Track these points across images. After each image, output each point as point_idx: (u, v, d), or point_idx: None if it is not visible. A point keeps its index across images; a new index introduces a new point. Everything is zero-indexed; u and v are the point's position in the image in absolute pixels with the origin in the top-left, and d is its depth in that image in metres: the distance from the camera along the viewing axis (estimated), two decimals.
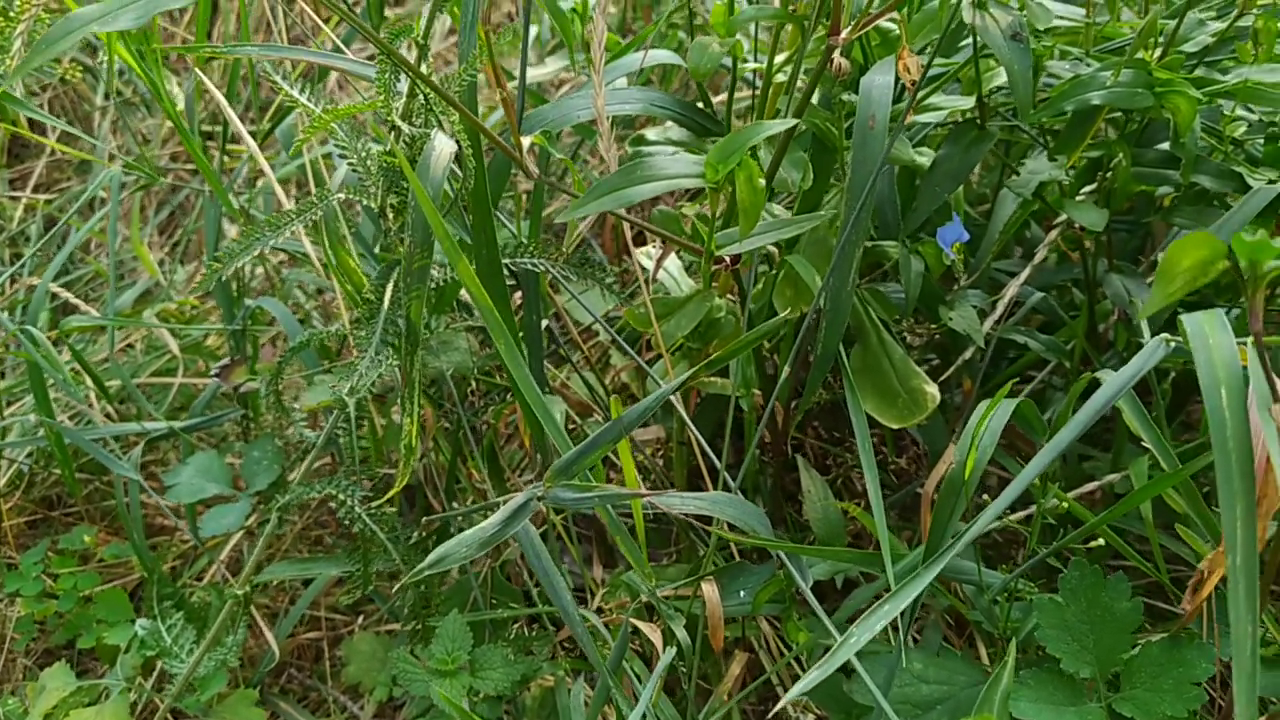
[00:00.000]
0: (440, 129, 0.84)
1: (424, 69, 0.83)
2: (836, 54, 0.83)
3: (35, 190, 1.92)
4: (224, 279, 1.10)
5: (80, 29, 0.70)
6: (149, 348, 1.61)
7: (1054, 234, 1.17)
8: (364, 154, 0.91)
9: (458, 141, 0.85)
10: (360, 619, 1.34)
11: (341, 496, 1.04)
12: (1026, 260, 1.21)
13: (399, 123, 0.83)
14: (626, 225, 1.05)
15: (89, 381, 1.40)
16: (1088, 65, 1.07)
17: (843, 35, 0.83)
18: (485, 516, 0.80)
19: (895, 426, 1.03)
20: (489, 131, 0.81)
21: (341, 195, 0.91)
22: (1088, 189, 1.17)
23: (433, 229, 0.77)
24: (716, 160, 0.76)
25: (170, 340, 1.50)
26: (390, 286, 0.91)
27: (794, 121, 0.87)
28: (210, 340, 1.58)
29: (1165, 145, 1.12)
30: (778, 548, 0.90)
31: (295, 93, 0.92)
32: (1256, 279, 0.60)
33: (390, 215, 0.90)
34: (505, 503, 0.78)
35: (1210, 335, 0.64)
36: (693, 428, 0.98)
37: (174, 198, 1.92)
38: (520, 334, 1.07)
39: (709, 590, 0.96)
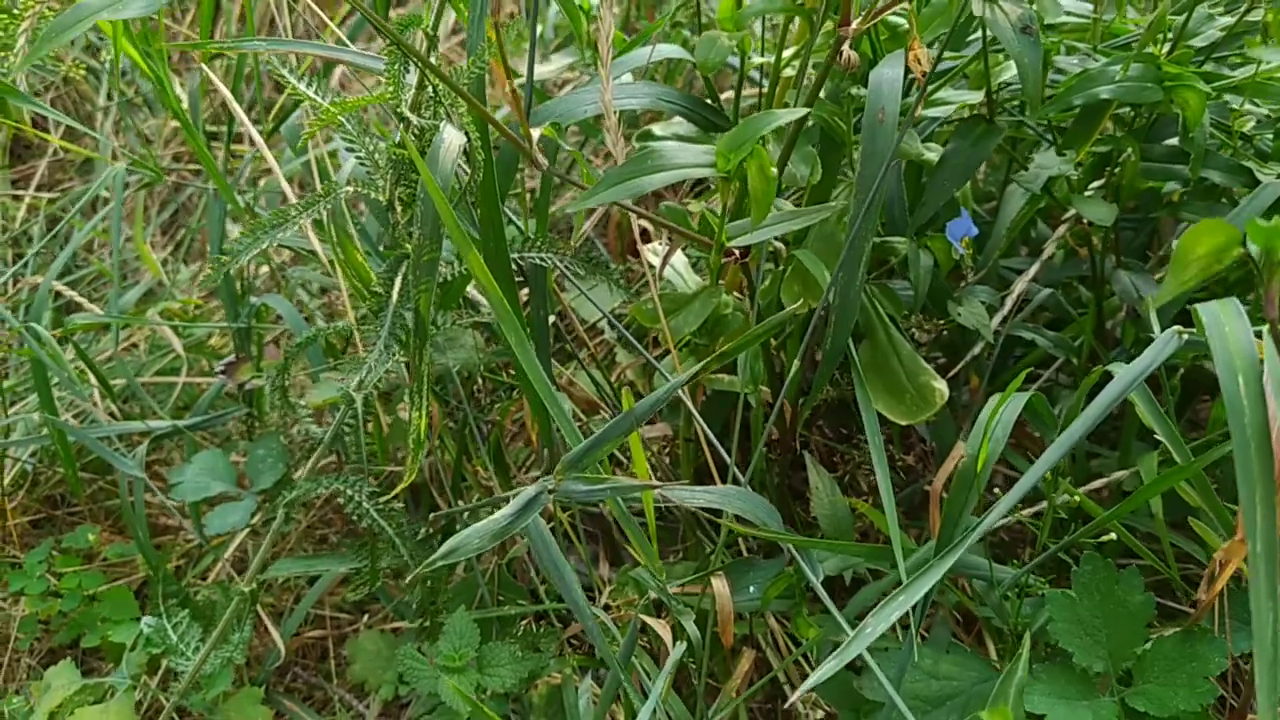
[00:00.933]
0: (449, 121, 0.84)
1: (433, 60, 0.82)
2: (846, 46, 0.83)
3: (38, 190, 1.92)
4: (229, 273, 1.09)
5: (89, 17, 0.69)
6: (153, 347, 1.61)
7: (1062, 229, 1.16)
8: (371, 148, 0.91)
9: (466, 134, 0.84)
10: (365, 618, 1.33)
11: (349, 492, 1.04)
12: (1034, 258, 1.21)
13: (408, 114, 0.83)
14: (634, 220, 1.05)
15: (93, 380, 1.39)
16: (1096, 60, 1.07)
17: (853, 26, 0.83)
18: (492, 513, 0.79)
19: (904, 423, 1.03)
20: (497, 122, 0.81)
21: (349, 188, 0.90)
22: (1095, 185, 1.17)
23: (442, 220, 0.77)
24: (728, 149, 0.75)
25: (174, 339, 1.49)
26: (398, 281, 0.90)
27: (805, 110, 0.86)
28: (214, 339, 1.57)
29: (1173, 140, 1.12)
30: (788, 540, 0.90)
31: (301, 86, 0.91)
32: (1272, 265, 0.59)
33: (398, 208, 0.89)
34: (513, 499, 0.77)
35: (1226, 323, 0.64)
36: (700, 421, 0.97)
37: (177, 198, 1.92)
38: (527, 329, 1.07)
39: (719, 585, 0.96)
